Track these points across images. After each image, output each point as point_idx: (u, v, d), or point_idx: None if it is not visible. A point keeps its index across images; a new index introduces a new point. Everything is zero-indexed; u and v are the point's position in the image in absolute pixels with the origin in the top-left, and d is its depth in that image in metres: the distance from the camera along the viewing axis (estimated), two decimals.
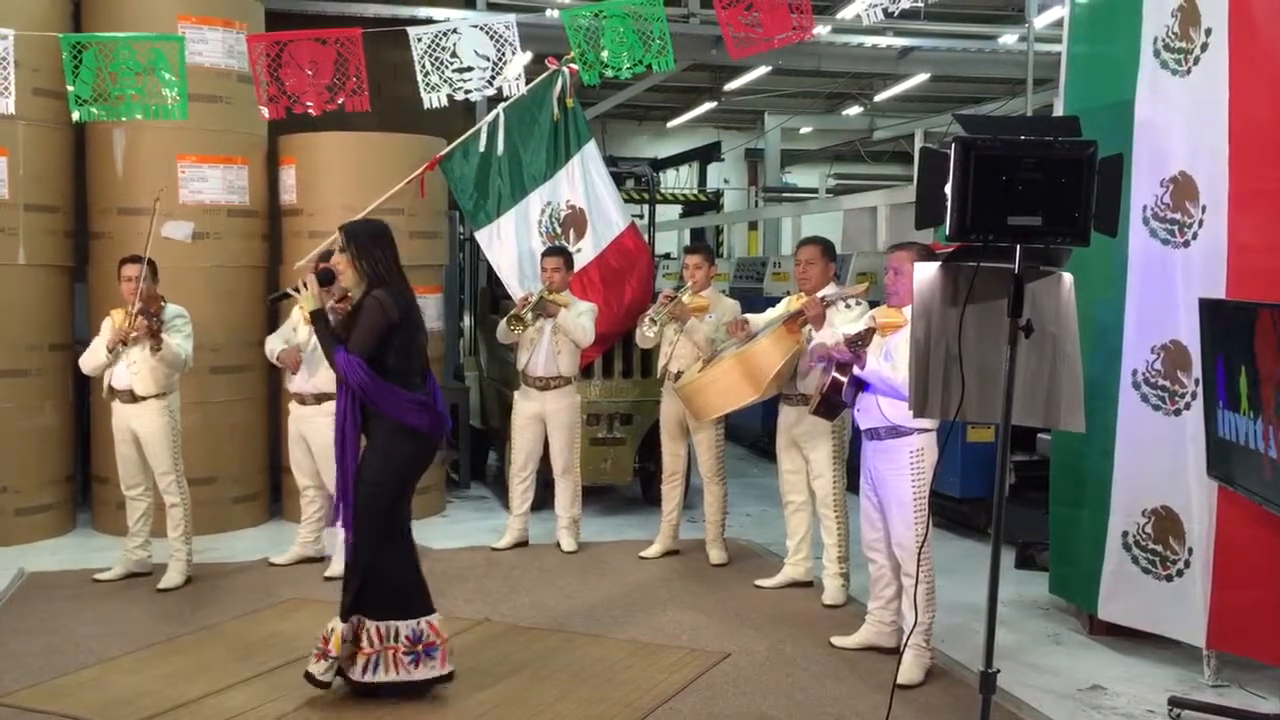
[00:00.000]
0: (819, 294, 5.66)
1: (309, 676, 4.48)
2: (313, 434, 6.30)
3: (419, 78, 6.13)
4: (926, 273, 3.57)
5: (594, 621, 5.60)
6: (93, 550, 6.95)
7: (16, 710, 4.44)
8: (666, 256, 15.82)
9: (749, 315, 6.10)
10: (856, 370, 4.80)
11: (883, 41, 13.53)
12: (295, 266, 6.92)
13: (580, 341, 6.73)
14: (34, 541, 7.15)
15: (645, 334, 6.54)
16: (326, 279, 4.59)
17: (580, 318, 6.69)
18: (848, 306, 5.61)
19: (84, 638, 5.31)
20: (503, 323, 6.74)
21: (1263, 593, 4.58)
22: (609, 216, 7.42)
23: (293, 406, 6.42)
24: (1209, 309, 4.49)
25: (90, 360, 6.11)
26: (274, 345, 6.34)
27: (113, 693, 4.62)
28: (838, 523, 5.87)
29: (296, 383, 6.32)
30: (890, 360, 4.68)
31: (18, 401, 7.17)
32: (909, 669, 4.70)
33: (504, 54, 6.25)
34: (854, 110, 20.56)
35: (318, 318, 4.54)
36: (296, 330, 6.29)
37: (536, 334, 6.73)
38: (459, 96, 6.27)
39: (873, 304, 5.50)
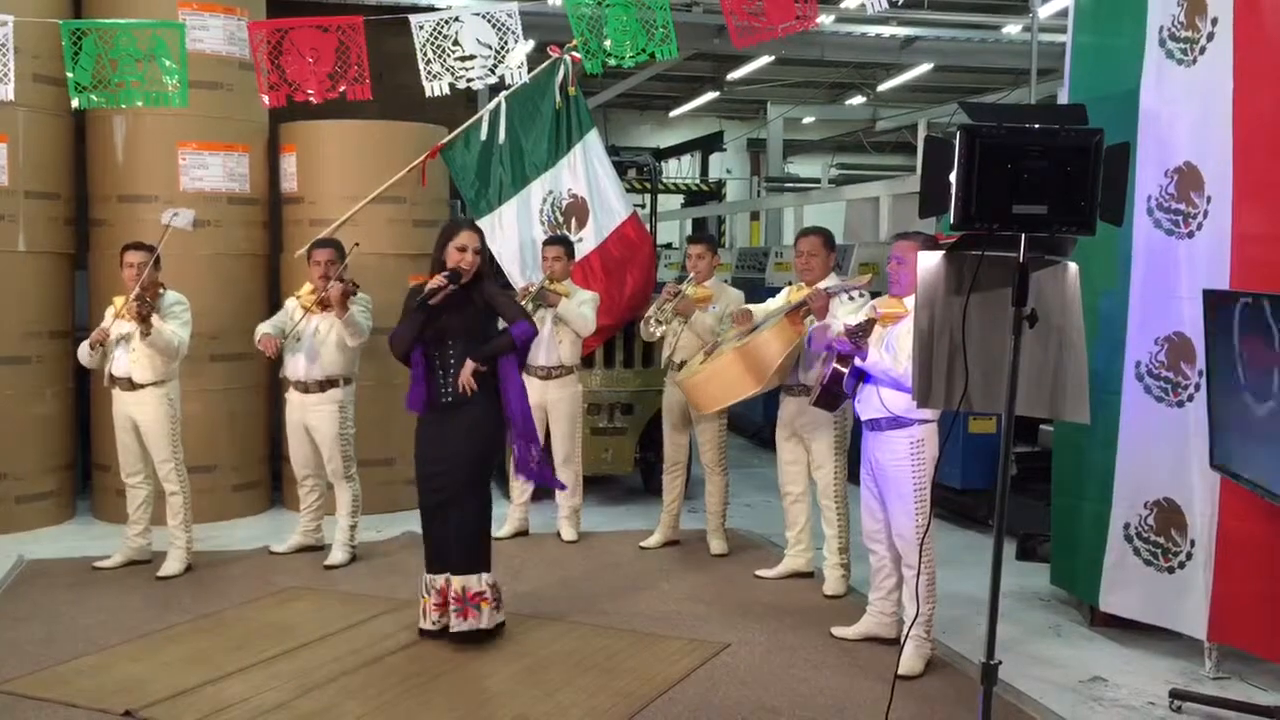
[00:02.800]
0: (822, 285, 5.64)
1: (464, 634, 4.98)
2: (317, 421, 6.29)
3: (421, 66, 6.11)
4: (930, 262, 3.55)
5: (594, 611, 5.60)
6: (93, 538, 6.95)
7: (15, 698, 4.44)
8: (668, 246, 15.82)
9: (751, 306, 6.08)
10: (858, 361, 4.78)
11: (886, 31, 13.50)
12: (295, 254, 6.90)
13: (581, 331, 6.71)
14: (34, 529, 7.15)
15: (651, 331, 6.56)
16: (454, 279, 4.91)
17: (581, 306, 6.67)
18: (851, 298, 5.58)
19: (83, 625, 5.31)
20: None
21: (1263, 585, 4.57)
22: (611, 206, 7.39)
23: (291, 395, 6.39)
24: (1213, 300, 4.47)
25: (81, 356, 6.11)
26: (262, 328, 6.31)
27: (111, 680, 4.62)
28: (839, 514, 5.86)
29: (299, 370, 6.29)
30: (891, 351, 4.66)
31: (18, 389, 7.17)
32: (910, 660, 4.70)
33: (506, 42, 6.23)
34: (857, 100, 20.53)
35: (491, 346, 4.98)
36: (293, 317, 6.28)
37: (538, 323, 6.70)
38: (461, 85, 6.26)
39: (874, 295, 5.48)
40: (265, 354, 6.24)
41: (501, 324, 5.09)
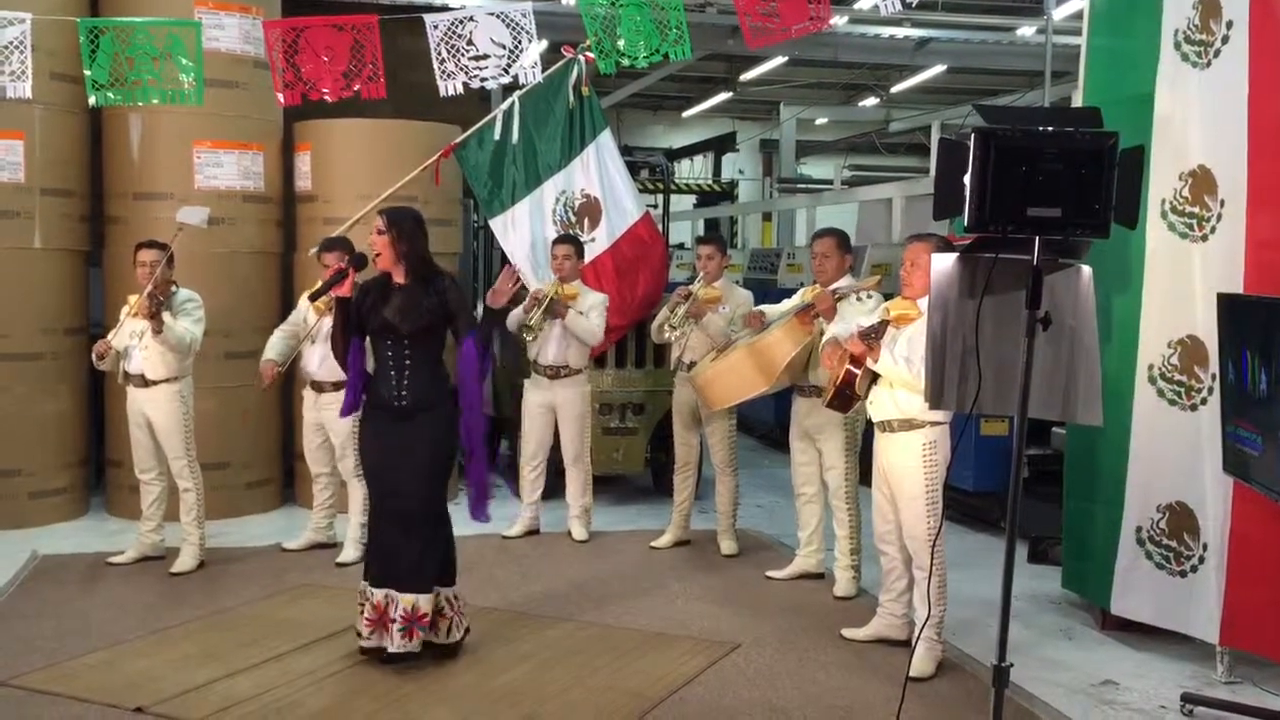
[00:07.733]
0: (831, 287, 5.66)
1: (396, 656, 4.65)
2: (331, 420, 6.29)
3: (435, 65, 6.12)
4: (944, 264, 3.55)
5: (604, 610, 5.60)
6: (106, 534, 6.98)
7: (28, 693, 4.46)
8: (680, 247, 15.79)
9: (764, 307, 6.09)
10: (870, 363, 4.78)
11: (900, 32, 13.46)
12: (309, 253, 6.92)
13: (588, 342, 6.74)
14: (47, 525, 7.18)
15: (666, 337, 6.59)
16: (360, 264, 4.75)
17: (590, 313, 6.67)
18: (861, 299, 5.58)
19: (95, 621, 5.33)
20: (521, 331, 6.72)
21: (1276, 590, 4.55)
22: (623, 206, 7.40)
23: (308, 392, 6.42)
24: (1227, 304, 4.45)
25: (96, 364, 6.13)
26: (272, 341, 6.36)
27: (123, 676, 4.64)
28: (849, 514, 5.86)
29: (314, 369, 6.32)
30: (904, 353, 4.66)
31: (33, 385, 7.20)
32: (921, 662, 4.69)
33: (520, 42, 6.23)
34: (870, 102, 20.48)
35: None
36: (307, 320, 6.30)
37: (547, 324, 6.72)
38: (475, 84, 6.26)
39: (886, 296, 5.48)
40: (263, 381, 6.25)
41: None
